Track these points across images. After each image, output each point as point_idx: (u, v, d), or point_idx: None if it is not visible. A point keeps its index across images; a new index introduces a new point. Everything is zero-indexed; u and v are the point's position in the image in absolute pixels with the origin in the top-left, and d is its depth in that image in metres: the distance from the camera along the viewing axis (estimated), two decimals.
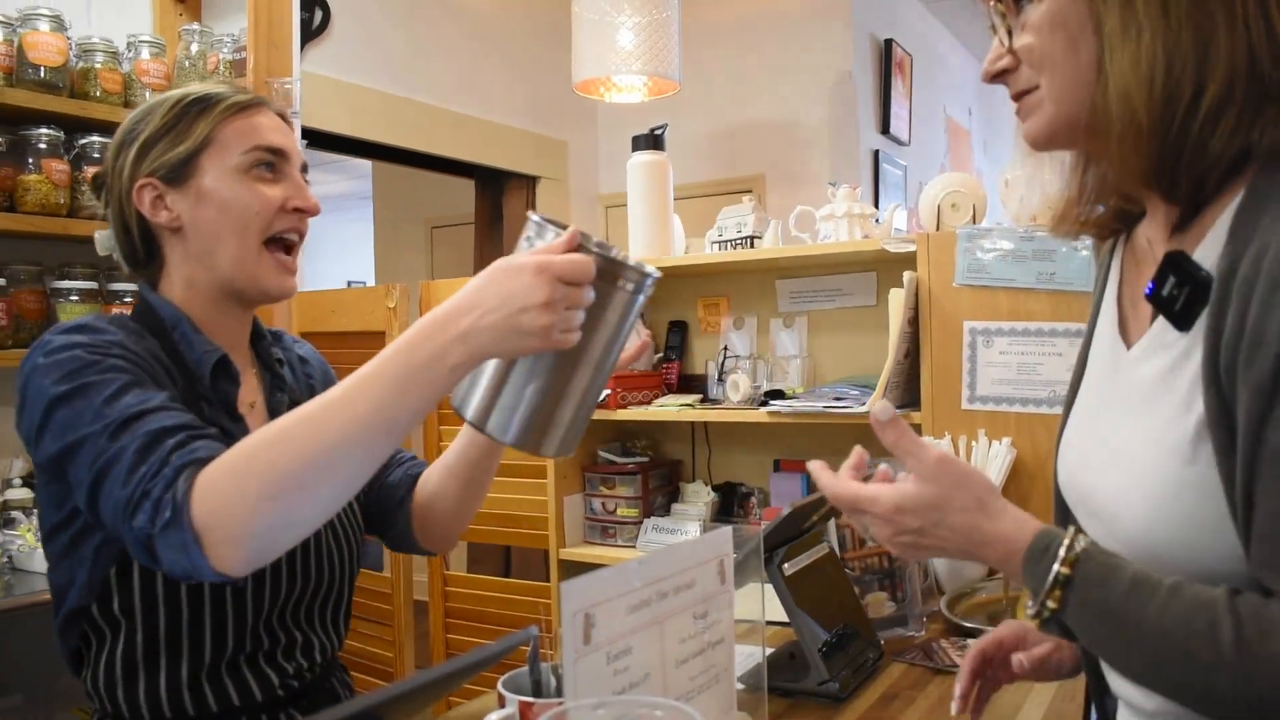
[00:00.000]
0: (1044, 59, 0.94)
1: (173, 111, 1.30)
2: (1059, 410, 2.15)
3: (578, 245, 1.05)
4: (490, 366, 1.09)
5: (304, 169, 1.39)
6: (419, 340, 1.02)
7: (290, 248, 1.36)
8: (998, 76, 0.99)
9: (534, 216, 1.10)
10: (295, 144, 1.38)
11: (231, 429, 1.29)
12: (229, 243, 1.29)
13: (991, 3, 0.98)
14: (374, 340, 3.09)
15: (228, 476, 1.01)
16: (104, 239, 1.39)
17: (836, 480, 1.04)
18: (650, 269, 1.12)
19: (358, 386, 1.03)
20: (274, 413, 1.39)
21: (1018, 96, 0.98)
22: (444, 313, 1.03)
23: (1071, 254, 2.13)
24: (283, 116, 1.39)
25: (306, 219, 1.36)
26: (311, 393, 1.45)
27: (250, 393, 1.39)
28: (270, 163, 1.32)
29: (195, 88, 1.33)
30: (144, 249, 1.33)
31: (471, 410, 1.10)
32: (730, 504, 2.94)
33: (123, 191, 1.31)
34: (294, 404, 1.39)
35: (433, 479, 1.48)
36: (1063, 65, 0.93)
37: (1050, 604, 0.88)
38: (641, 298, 1.12)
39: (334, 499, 1.05)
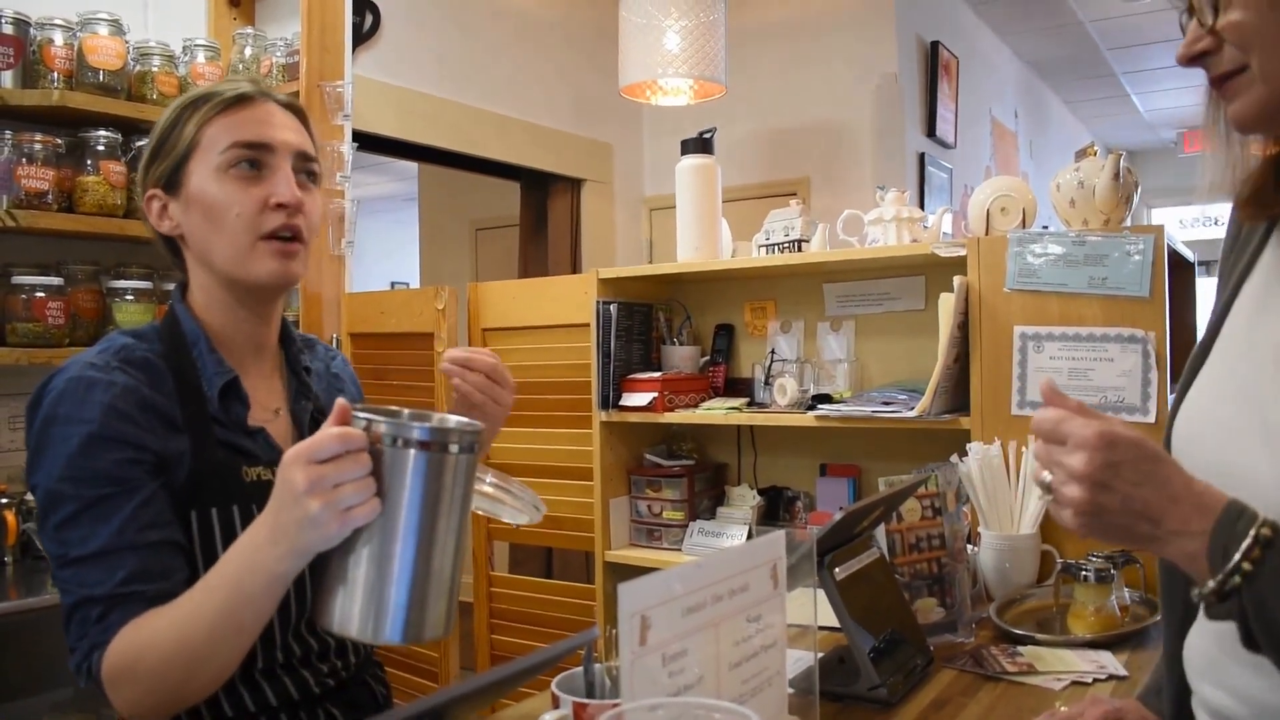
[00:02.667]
0: (1256, 36, 0.90)
1: (170, 117, 1.32)
2: (1110, 416, 2.14)
3: (346, 419, 1.05)
4: (328, 564, 1.08)
5: (306, 159, 1.35)
6: (250, 552, 1.09)
7: (291, 238, 1.32)
8: (1196, 59, 0.96)
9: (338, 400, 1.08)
10: (292, 136, 1.33)
11: (244, 444, 1.31)
12: (219, 244, 1.29)
13: None
14: (422, 341, 3.12)
15: (126, 679, 1.13)
16: None
17: (1056, 396, 0.96)
18: (447, 424, 1.10)
19: (210, 595, 1.11)
20: (297, 419, 1.41)
21: (1221, 79, 0.95)
22: (258, 524, 1.09)
23: (1124, 259, 2.11)
24: (293, 108, 1.37)
25: (300, 213, 1.31)
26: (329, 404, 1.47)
27: (275, 399, 1.41)
28: (252, 159, 1.28)
29: (201, 88, 1.35)
30: (170, 256, 1.37)
31: (327, 620, 1.08)
32: (776, 508, 2.94)
33: (140, 201, 1.34)
34: (318, 413, 1.42)
35: None
36: (1274, 42, 0.89)
37: (1246, 565, 0.84)
38: (449, 454, 1.07)
39: (222, 671, 1.14)
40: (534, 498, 1.47)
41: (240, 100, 1.30)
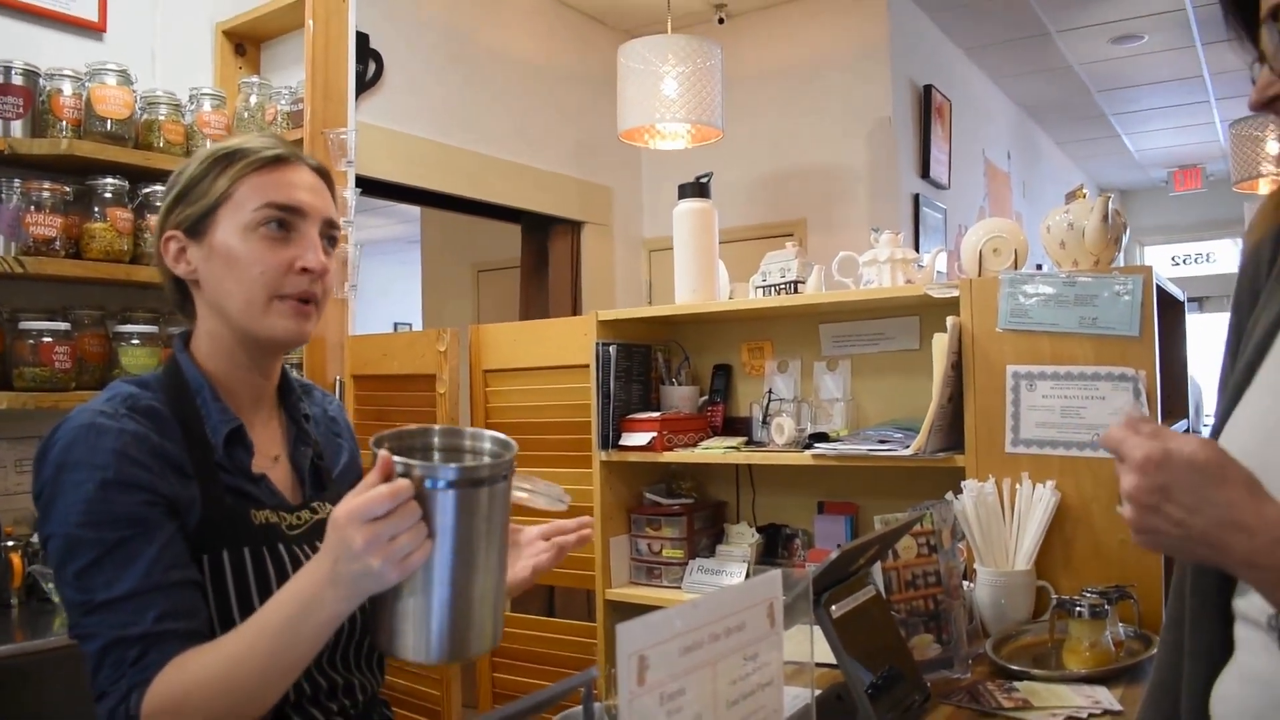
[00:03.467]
0: None
1: (203, 165, 1.34)
2: (1104, 454, 2.16)
3: (390, 471, 1.09)
4: (386, 598, 1.14)
5: (331, 226, 1.38)
6: (307, 595, 1.14)
7: (308, 300, 1.36)
8: (1269, 105, 0.96)
9: (379, 451, 1.11)
10: (320, 201, 1.37)
11: (250, 490, 1.34)
12: (235, 297, 1.32)
13: (1268, 26, 0.94)
14: (424, 383, 3.15)
15: (169, 715, 1.14)
16: None
17: (1133, 418, 0.95)
18: (482, 457, 1.18)
19: (262, 634, 1.15)
20: (297, 466, 1.44)
21: None
22: (313, 569, 1.14)
23: (1114, 299, 2.14)
24: (321, 172, 1.41)
25: (320, 279, 1.35)
26: (336, 451, 1.51)
27: (274, 445, 1.43)
28: (281, 220, 1.32)
29: (232, 141, 1.36)
30: (177, 298, 1.39)
31: (384, 644, 1.15)
32: (774, 545, 2.96)
33: (157, 240, 1.37)
34: (317, 458, 1.45)
35: None
36: None
37: None
38: (486, 487, 1.13)
39: (264, 709, 1.18)
40: (559, 491, 1.52)
41: (276, 161, 1.34)
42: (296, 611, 1.14)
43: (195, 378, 1.34)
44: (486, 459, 1.22)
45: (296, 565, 1.31)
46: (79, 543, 1.19)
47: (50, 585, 2.50)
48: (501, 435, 1.20)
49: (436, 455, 1.24)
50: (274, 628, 1.14)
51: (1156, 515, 0.89)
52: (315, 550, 1.32)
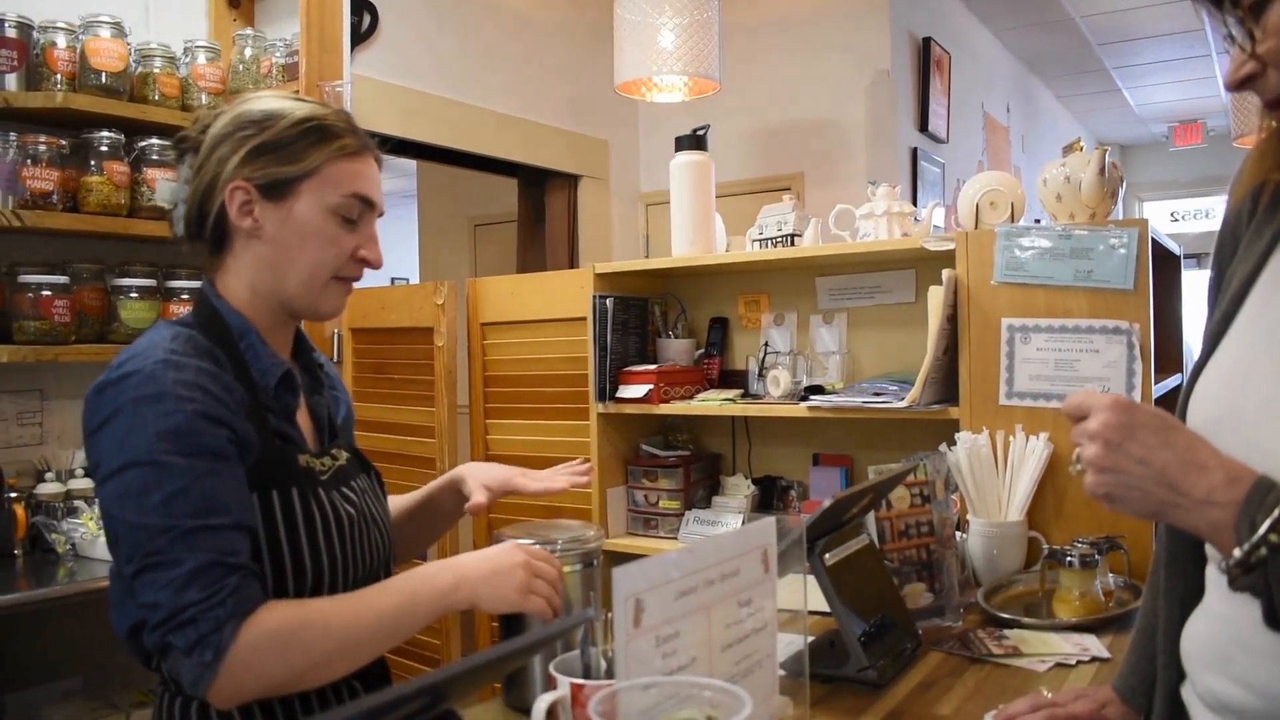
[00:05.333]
0: None
1: (293, 130, 1.34)
2: None
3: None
4: None
5: (379, 216, 1.45)
6: (429, 579, 1.30)
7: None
8: (1244, 83, 0.98)
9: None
10: (382, 195, 1.44)
11: (291, 433, 1.37)
12: (300, 270, 1.36)
13: (1228, 9, 0.96)
14: (422, 336, 3.16)
15: (275, 649, 1.17)
16: (170, 191, 1.44)
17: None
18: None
19: (381, 598, 1.27)
20: (314, 414, 1.47)
21: (1273, 102, 0.98)
22: (444, 567, 1.31)
23: (1109, 252, 2.15)
24: (378, 163, 1.45)
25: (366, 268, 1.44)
26: (335, 403, 1.54)
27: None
28: (358, 211, 1.38)
29: (314, 110, 1.38)
30: (213, 234, 1.38)
31: None
32: (770, 497, 2.98)
33: (216, 179, 1.34)
34: (322, 410, 1.49)
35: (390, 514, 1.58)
36: None
37: (1274, 537, 0.85)
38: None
39: (340, 676, 1.25)
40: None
41: (365, 151, 1.41)
42: (417, 581, 1.29)
43: (239, 323, 1.36)
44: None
45: (334, 509, 1.35)
46: (170, 469, 1.18)
47: (55, 536, 2.53)
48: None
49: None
50: (395, 591, 1.28)
51: (1120, 452, 0.93)
52: (343, 496, 1.38)
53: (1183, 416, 1.09)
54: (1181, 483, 0.91)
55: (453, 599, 1.29)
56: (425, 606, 1.28)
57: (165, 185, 1.48)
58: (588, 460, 1.73)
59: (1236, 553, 0.87)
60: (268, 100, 1.40)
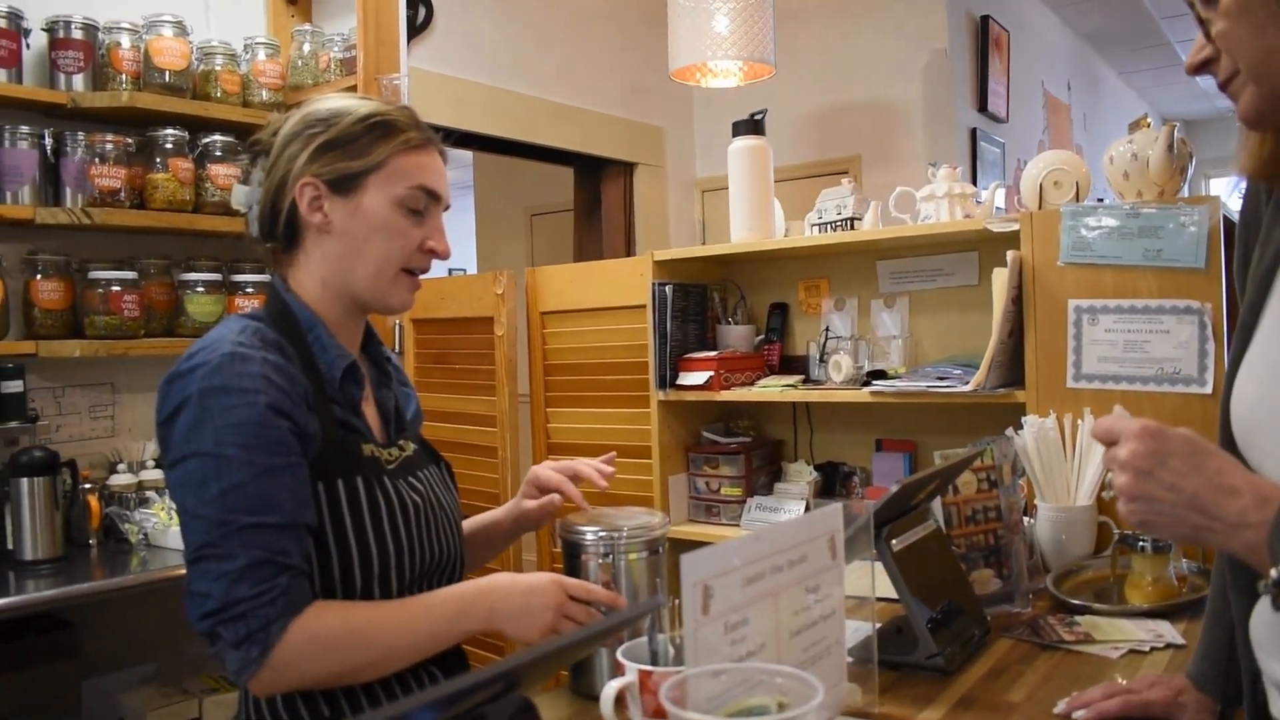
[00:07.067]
0: (1235, 42, 0.98)
1: (359, 125, 1.37)
2: (1167, 388, 2.14)
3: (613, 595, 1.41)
4: None
5: (446, 208, 1.47)
6: (468, 608, 1.32)
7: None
8: (1201, 67, 1.03)
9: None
10: (448, 188, 1.46)
11: (356, 424, 1.39)
12: (369, 263, 1.38)
13: None
14: (482, 325, 3.18)
15: (319, 652, 1.21)
16: (244, 194, 1.46)
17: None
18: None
19: (425, 618, 1.30)
20: (381, 407, 1.49)
21: (1224, 84, 1.01)
22: (481, 596, 1.33)
23: (1180, 230, 2.10)
24: (443, 156, 1.47)
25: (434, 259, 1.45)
26: (406, 398, 1.57)
27: (365, 386, 1.48)
28: (424, 203, 1.40)
29: (379, 106, 1.40)
30: (285, 232, 1.41)
31: None
32: (832, 483, 2.96)
33: (288, 177, 1.37)
34: (389, 403, 1.51)
35: None
36: (1250, 46, 0.96)
37: None
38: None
39: (374, 679, 1.30)
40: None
41: (429, 143, 1.43)
42: (457, 606, 1.31)
43: (307, 316, 1.39)
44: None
45: (400, 497, 1.37)
46: (230, 463, 1.21)
47: (127, 526, 2.58)
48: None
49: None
50: (436, 612, 1.30)
51: (1150, 480, 0.94)
52: (409, 485, 1.40)
53: (1225, 416, 1.10)
54: (1213, 507, 0.92)
55: (484, 629, 1.34)
56: (459, 631, 1.32)
57: (239, 189, 1.50)
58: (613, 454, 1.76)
59: (1273, 573, 0.87)
60: (334, 99, 1.43)
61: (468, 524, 1.66)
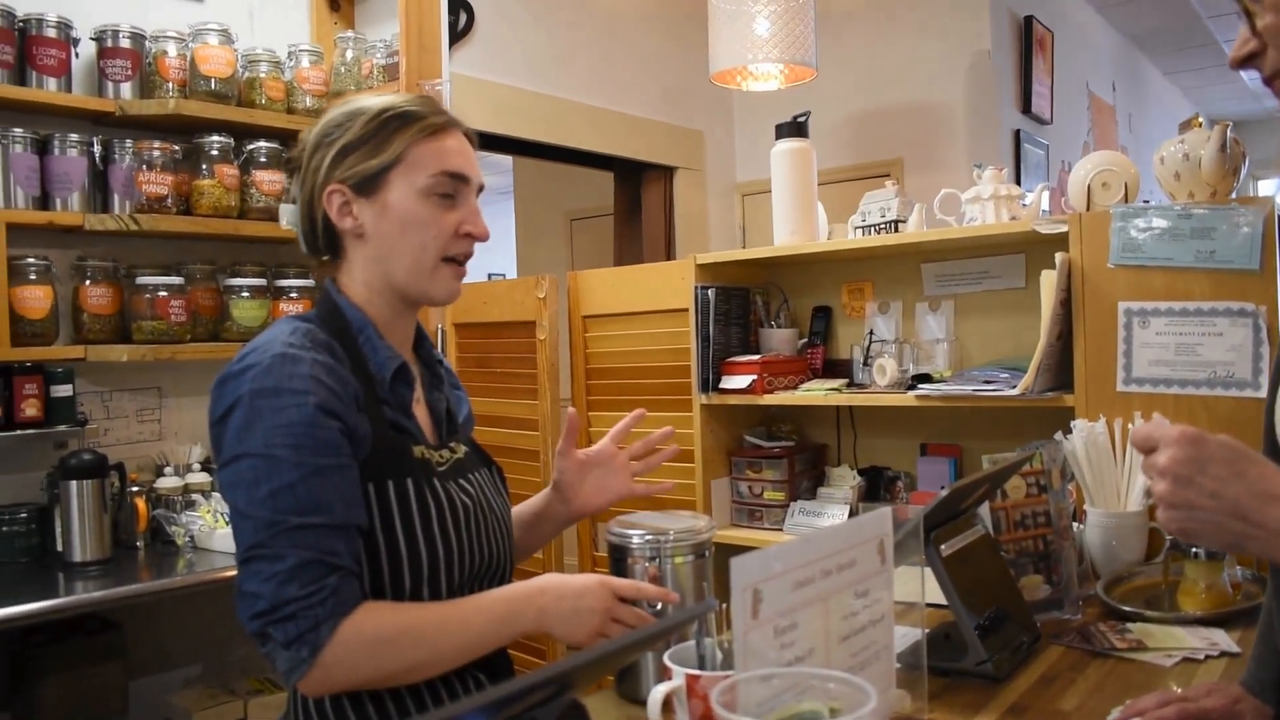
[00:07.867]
0: None
1: (372, 123, 1.36)
2: (1220, 392, 2.10)
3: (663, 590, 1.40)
4: None
5: (480, 190, 1.45)
6: (520, 608, 1.32)
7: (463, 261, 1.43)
8: (1246, 61, 1.00)
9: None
10: (477, 168, 1.43)
11: (407, 425, 1.39)
12: (405, 256, 1.37)
13: None
14: (525, 330, 3.18)
15: (369, 653, 1.21)
16: (290, 213, 1.48)
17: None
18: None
19: (475, 619, 1.29)
20: (433, 409, 1.48)
21: (1270, 78, 0.99)
22: (529, 597, 1.32)
23: (1233, 231, 2.07)
24: (470, 137, 1.45)
25: (474, 242, 1.43)
26: (459, 401, 1.57)
27: (416, 387, 1.48)
28: (452, 189, 1.38)
29: (393, 100, 1.39)
30: (326, 242, 1.41)
31: None
32: (876, 488, 2.94)
33: (315, 189, 1.38)
34: (441, 405, 1.50)
35: None
36: None
37: None
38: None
39: (422, 680, 1.30)
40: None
41: (447, 127, 1.40)
42: (507, 608, 1.30)
43: (357, 318, 1.38)
44: None
45: (450, 499, 1.36)
46: (280, 463, 1.21)
47: (174, 529, 2.61)
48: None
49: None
50: (486, 613, 1.29)
51: (1190, 487, 0.92)
52: (460, 487, 1.39)
53: (1270, 423, 1.09)
54: (1254, 514, 0.90)
55: (533, 630, 1.33)
56: (508, 632, 1.32)
57: (285, 208, 1.52)
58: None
59: None
60: (350, 102, 1.43)
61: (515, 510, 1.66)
